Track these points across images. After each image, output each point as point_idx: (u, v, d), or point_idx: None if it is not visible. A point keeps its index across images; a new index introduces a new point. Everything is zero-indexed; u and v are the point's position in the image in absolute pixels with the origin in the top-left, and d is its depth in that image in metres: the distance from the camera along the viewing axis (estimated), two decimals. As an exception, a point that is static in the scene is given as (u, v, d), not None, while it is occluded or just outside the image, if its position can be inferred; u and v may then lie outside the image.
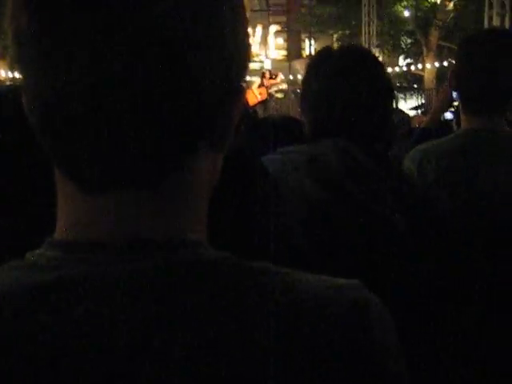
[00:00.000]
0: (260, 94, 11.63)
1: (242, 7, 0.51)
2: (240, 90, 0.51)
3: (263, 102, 11.51)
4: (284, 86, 12.09)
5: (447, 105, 2.35)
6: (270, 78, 11.95)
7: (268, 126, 2.04)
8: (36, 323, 0.42)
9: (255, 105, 11.00)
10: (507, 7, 10.78)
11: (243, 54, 0.50)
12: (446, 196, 1.35)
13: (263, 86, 11.95)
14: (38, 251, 0.47)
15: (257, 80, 12.35)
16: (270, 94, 11.86)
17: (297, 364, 0.43)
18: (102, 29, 0.41)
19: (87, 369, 0.42)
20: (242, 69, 0.51)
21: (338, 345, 0.44)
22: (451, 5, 16.55)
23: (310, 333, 0.44)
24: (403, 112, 5.31)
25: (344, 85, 1.18)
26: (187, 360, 0.42)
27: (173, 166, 0.46)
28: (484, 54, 1.43)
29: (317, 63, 1.27)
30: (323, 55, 1.28)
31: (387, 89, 1.25)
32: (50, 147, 0.46)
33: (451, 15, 16.65)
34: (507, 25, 10.77)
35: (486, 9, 11.10)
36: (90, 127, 0.43)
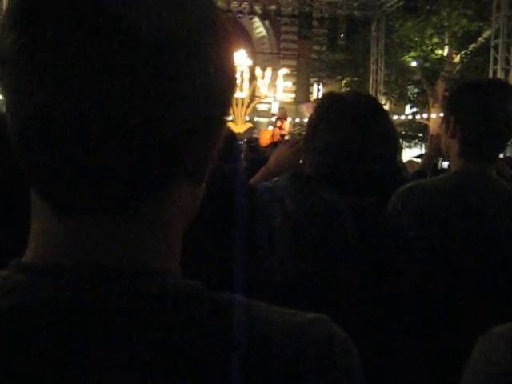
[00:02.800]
0: (273, 135, 11.62)
1: (227, 37, 0.49)
2: (220, 121, 0.50)
3: (275, 144, 11.52)
4: (287, 136, 12.11)
5: (439, 151, 2.42)
6: (279, 126, 11.90)
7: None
8: None
9: (267, 146, 11.02)
10: (511, 63, 11.02)
11: (226, 86, 0.49)
12: (424, 233, 1.40)
13: (279, 127, 11.96)
14: (3, 273, 0.46)
15: (264, 121, 12.41)
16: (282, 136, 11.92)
17: None
18: (78, 58, 0.41)
19: None
20: (224, 101, 0.49)
21: (306, 379, 0.44)
22: (458, 58, 16.85)
23: (273, 370, 0.43)
24: (400, 161, 5.40)
25: (353, 136, 1.19)
26: None
27: (146, 194, 0.45)
28: (485, 105, 1.52)
29: (326, 110, 1.26)
30: (332, 101, 1.27)
31: (395, 140, 1.27)
32: (26, 167, 0.45)
33: (457, 68, 16.92)
34: (511, 79, 10.99)
35: (491, 64, 11.33)
36: (64, 150, 0.42)
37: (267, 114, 12.74)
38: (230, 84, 0.49)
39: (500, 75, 10.95)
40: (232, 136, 2.75)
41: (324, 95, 1.37)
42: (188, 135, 0.45)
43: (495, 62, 11.22)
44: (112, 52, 0.41)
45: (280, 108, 12.68)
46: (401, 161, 5.51)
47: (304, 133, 1.38)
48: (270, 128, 11.77)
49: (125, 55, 0.41)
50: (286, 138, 12.12)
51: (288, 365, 0.44)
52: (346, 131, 1.20)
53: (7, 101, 0.44)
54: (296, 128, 14.59)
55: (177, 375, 0.42)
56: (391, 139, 1.25)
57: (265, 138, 11.07)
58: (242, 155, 4.77)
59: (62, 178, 0.43)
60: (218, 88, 0.47)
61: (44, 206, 0.46)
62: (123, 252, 0.45)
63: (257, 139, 6.20)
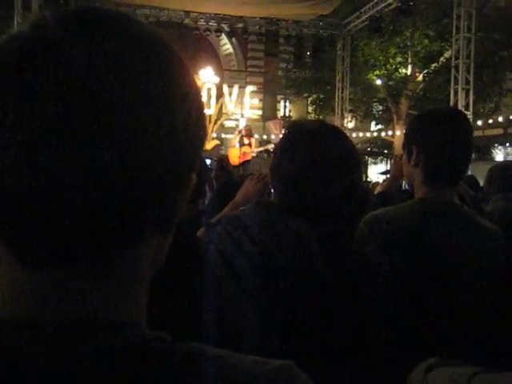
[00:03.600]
0: (244, 153, 11.38)
1: (198, 97, 0.50)
2: (189, 177, 0.50)
3: (246, 162, 11.27)
4: (253, 154, 11.86)
5: (401, 174, 2.48)
6: (248, 144, 11.66)
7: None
8: None
9: (237, 165, 10.81)
10: (471, 83, 11.33)
11: (193, 146, 0.49)
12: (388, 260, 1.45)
13: (248, 145, 11.73)
14: None
15: (231, 137, 12.25)
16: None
17: None
18: (40, 113, 0.41)
19: None
20: (193, 158, 0.50)
21: None
22: (420, 77, 17.25)
23: None
24: (365, 181, 5.51)
25: (317, 166, 1.22)
26: None
27: (117, 251, 0.46)
28: (446, 135, 1.61)
29: (290, 141, 1.29)
30: (296, 132, 1.30)
31: (357, 164, 1.31)
32: None
33: (420, 86, 17.34)
34: (471, 98, 11.30)
35: (452, 83, 11.64)
36: (28, 204, 0.42)
37: (234, 130, 12.67)
38: (198, 143, 0.50)
39: (460, 94, 11.26)
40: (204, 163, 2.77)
41: (289, 125, 1.40)
42: (159, 193, 0.46)
43: (456, 82, 11.53)
44: (81, 119, 0.41)
45: (246, 125, 12.58)
46: (366, 181, 5.60)
47: (271, 150, 1.40)
48: (237, 146, 11.62)
49: (93, 119, 0.42)
50: (254, 155, 12.03)
51: None
52: (309, 163, 1.24)
53: None
54: (263, 146, 14.61)
55: None
56: (356, 167, 1.29)
57: (234, 157, 10.89)
58: (212, 174, 4.76)
59: (31, 233, 0.43)
60: (187, 149, 0.48)
61: (13, 261, 0.45)
62: (92, 306, 0.46)
63: (226, 157, 6.15)
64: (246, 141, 11.56)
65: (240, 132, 11.89)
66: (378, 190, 2.69)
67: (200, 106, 0.50)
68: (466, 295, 1.53)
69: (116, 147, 0.42)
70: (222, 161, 4.89)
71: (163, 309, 0.61)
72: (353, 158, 1.29)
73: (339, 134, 1.34)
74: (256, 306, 1.15)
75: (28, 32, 0.44)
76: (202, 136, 0.51)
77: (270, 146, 12.90)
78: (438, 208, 1.60)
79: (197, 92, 0.50)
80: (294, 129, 1.33)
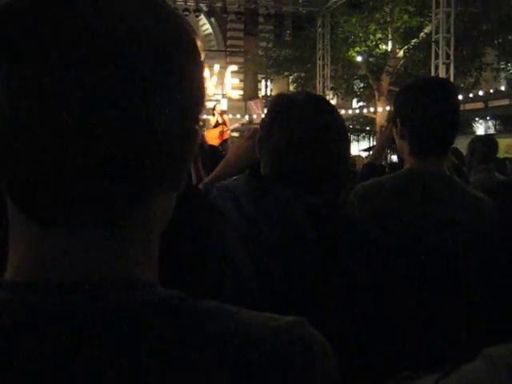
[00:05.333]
0: (221, 132, 11.16)
1: (199, 53, 0.51)
2: (194, 132, 0.51)
3: (225, 142, 11.03)
4: (229, 131, 11.58)
5: (388, 142, 2.45)
6: (223, 122, 11.40)
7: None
8: None
9: (219, 145, 10.54)
10: (451, 57, 11.37)
11: (199, 98, 0.51)
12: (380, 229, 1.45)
13: (223, 124, 11.51)
14: None
15: (211, 118, 12.07)
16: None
17: None
18: (56, 81, 0.42)
19: None
20: (197, 113, 0.51)
21: (288, 380, 0.47)
22: (401, 52, 17.25)
23: (259, 373, 0.46)
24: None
25: (306, 136, 1.22)
26: None
27: (127, 208, 0.47)
28: (426, 104, 1.59)
29: (278, 111, 1.29)
30: (284, 102, 1.30)
31: (346, 138, 1.31)
32: (9, 184, 0.45)
33: (401, 62, 17.33)
34: (452, 73, 11.34)
35: (433, 58, 11.66)
36: (45, 167, 0.43)
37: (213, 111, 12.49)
38: (201, 97, 0.51)
39: (441, 69, 11.30)
40: None
41: (275, 96, 1.39)
42: (167, 148, 0.47)
43: (436, 57, 11.56)
44: (92, 68, 0.43)
45: (216, 103, 12.33)
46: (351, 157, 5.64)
47: (245, 125, 1.39)
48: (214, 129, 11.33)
49: (103, 72, 0.43)
50: (229, 132, 11.78)
51: (272, 365, 0.46)
52: (299, 132, 1.23)
53: None
54: (246, 124, 14.48)
55: (171, 381, 0.44)
56: (343, 136, 1.29)
57: (213, 139, 10.57)
58: None
59: (48, 193, 0.44)
60: (192, 102, 0.50)
61: (27, 222, 0.46)
62: (107, 266, 0.47)
63: (203, 136, 6.03)
64: (220, 120, 11.38)
65: (215, 111, 11.61)
66: (365, 161, 2.70)
67: (202, 68, 0.52)
68: (457, 265, 1.52)
69: (130, 109, 0.44)
70: (201, 140, 4.85)
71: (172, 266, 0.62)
72: (342, 130, 1.29)
73: (325, 102, 1.34)
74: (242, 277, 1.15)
75: None
76: (203, 93, 0.52)
77: (245, 121, 12.68)
78: (426, 178, 1.59)
79: (200, 56, 0.52)
80: (281, 100, 1.32)
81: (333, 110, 1.32)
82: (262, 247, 1.15)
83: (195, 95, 0.50)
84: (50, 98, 0.42)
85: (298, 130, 1.24)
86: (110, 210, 0.46)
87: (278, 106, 1.31)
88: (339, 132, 1.28)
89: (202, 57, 0.52)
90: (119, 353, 0.44)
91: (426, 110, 1.59)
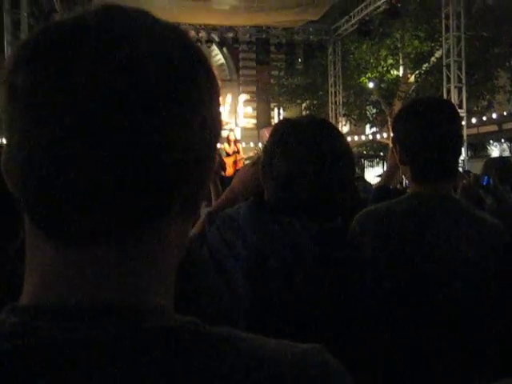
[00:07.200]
0: (235, 161, 11.10)
1: (215, 78, 0.52)
2: (212, 158, 0.52)
3: (238, 170, 10.83)
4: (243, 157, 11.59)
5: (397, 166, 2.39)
6: (237, 151, 11.36)
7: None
8: None
9: (231, 174, 10.46)
10: (463, 81, 11.37)
11: (216, 123, 0.52)
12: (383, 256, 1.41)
13: (237, 152, 11.48)
14: (1, 316, 0.45)
15: (227, 146, 12.08)
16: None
17: None
18: (80, 95, 0.43)
19: None
20: (215, 138, 0.52)
21: None
22: (412, 77, 17.30)
23: None
24: (365, 181, 5.45)
25: (310, 163, 1.19)
26: None
27: (144, 227, 0.46)
28: (423, 128, 1.52)
29: (281, 136, 1.26)
30: (287, 127, 1.27)
31: (351, 162, 1.27)
32: (26, 201, 0.46)
33: (413, 87, 17.37)
34: (464, 96, 11.33)
35: (444, 82, 11.67)
36: (63, 185, 0.43)
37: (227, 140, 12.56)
38: (219, 121, 0.53)
39: (453, 93, 11.29)
40: None
41: (279, 121, 1.37)
42: (183, 174, 0.47)
43: (448, 81, 11.56)
44: (116, 95, 0.43)
45: (230, 131, 12.37)
46: (365, 180, 5.57)
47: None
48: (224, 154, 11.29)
49: (127, 102, 0.44)
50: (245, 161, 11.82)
51: None
52: (303, 158, 1.20)
53: (8, 135, 0.46)
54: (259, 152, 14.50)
55: None
56: (347, 161, 1.26)
57: (228, 167, 10.64)
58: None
59: (64, 210, 0.44)
60: (211, 127, 0.50)
61: (42, 240, 0.46)
62: (125, 289, 0.46)
63: (224, 163, 6.02)
64: (234, 148, 11.36)
65: (229, 140, 11.59)
66: (377, 184, 2.64)
67: (219, 100, 0.53)
68: (462, 293, 1.46)
69: (155, 128, 0.44)
70: (219, 156, 4.83)
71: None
72: (346, 155, 1.26)
73: (330, 127, 1.31)
74: (243, 307, 1.13)
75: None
76: (221, 123, 0.54)
77: (259, 150, 12.59)
78: (428, 203, 1.53)
79: (216, 80, 0.53)
80: (284, 125, 1.30)
81: (337, 134, 1.29)
82: (265, 275, 1.12)
83: (213, 121, 0.51)
84: (67, 117, 0.43)
85: (303, 154, 1.21)
86: (127, 227, 0.46)
87: (281, 131, 1.28)
88: (344, 157, 1.25)
89: (219, 84, 0.53)
90: (134, 378, 0.43)
91: (423, 136, 1.52)
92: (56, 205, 0.44)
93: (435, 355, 1.39)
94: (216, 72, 0.53)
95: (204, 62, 0.51)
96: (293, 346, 0.49)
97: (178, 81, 0.46)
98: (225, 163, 6.65)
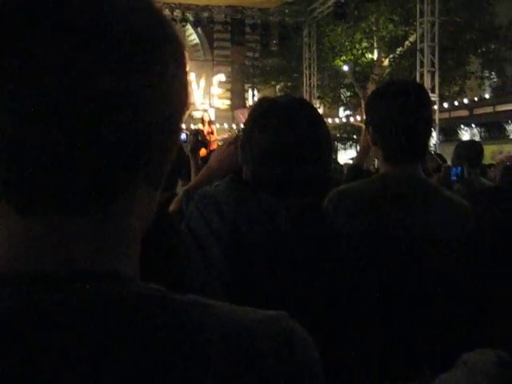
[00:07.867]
0: (211, 142, 11.05)
1: (183, 53, 0.52)
2: (177, 131, 0.52)
3: (212, 151, 10.81)
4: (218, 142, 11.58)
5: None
6: (210, 132, 11.30)
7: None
8: None
9: (204, 154, 10.34)
10: (436, 65, 11.48)
11: (183, 96, 0.51)
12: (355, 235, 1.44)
13: (211, 133, 11.42)
14: None
15: (200, 126, 11.98)
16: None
17: None
18: (47, 66, 0.42)
19: None
20: (181, 111, 0.51)
21: (268, 374, 0.46)
22: (386, 61, 17.40)
23: (235, 366, 0.45)
24: (338, 163, 5.52)
25: (288, 142, 1.20)
26: None
27: (108, 197, 0.47)
28: (395, 110, 1.56)
29: (259, 115, 1.27)
30: (266, 106, 1.27)
31: (329, 142, 1.29)
32: None
33: (387, 70, 17.48)
34: (437, 81, 11.46)
35: (418, 66, 11.77)
36: (29, 155, 0.43)
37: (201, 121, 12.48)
38: (186, 98, 0.52)
39: (426, 77, 11.40)
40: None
41: (258, 100, 1.38)
42: (148, 144, 0.47)
43: (421, 65, 11.66)
44: (82, 65, 0.43)
45: (204, 112, 12.26)
46: (338, 162, 5.64)
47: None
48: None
49: (94, 67, 0.43)
50: (219, 143, 11.79)
51: (250, 360, 0.46)
52: (281, 136, 1.21)
53: None
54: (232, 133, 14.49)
55: (150, 371, 0.44)
56: (326, 141, 1.27)
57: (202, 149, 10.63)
58: (189, 147, 4.66)
59: (28, 179, 0.44)
60: (176, 102, 0.50)
61: (8, 210, 0.45)
62: (90, 256, 0.46)
63: (202, 130, 5.95)
64: (208, 129, 11.31)
65: (204, 121, 11.52)
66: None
67: (185, 63, 0.52)
68: (433, 270, 1.51)
69: (116, 94, 0.44)
70: (198, 134, 4.80)
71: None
72: (324, 135, 1.28)
73: (308, 106, 1.33)
74: (223, 283, 1.15)
75: None
76: (188, 94, 0.53)
77: (234, 131, 12.58)
78: (399, 183, 1.58)
79: (183, 47, 0.53)
80: (261, 104, 1.31)
81: (316, 114, 1.31)
82: (243, 249, 1.14)
83: (179, 93, 0.50)
84: (35, 88, 0.42)
85: (277, 135, 1.22)
86: (93, 197, 0.46)
87: (259, 110, 1.29)
88: (322, 137, 1.26)
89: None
90: (97, 343, 0.43)
91: (395, 119, 1.56)
92: (21, 177, 0.44)
93: (406, 330, 1.44)
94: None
95: (170, 31, 0.50)
96: (258, 312, 0.50)
97: (141, 47, 0.46)
98: (209, 142, 6.58)
